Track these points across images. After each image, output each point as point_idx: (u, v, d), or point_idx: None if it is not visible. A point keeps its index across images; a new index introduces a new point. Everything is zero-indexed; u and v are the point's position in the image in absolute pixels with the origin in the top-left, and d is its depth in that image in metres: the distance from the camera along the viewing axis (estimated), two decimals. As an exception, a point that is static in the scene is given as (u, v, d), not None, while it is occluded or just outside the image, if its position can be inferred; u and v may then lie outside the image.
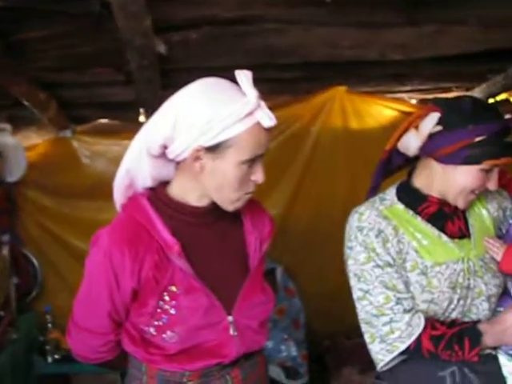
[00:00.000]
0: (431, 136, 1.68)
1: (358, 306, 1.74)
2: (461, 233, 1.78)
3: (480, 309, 1.75)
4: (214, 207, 1.57)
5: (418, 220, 1.75)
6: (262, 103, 1.44)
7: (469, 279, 1.72)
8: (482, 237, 1.79)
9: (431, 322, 1.69)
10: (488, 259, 1.76)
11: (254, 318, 1.62)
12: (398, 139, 1.76)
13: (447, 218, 1.77)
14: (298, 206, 3.87)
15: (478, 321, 1.72)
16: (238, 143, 1.42)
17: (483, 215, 1.85)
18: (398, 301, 1.67)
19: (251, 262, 1.64)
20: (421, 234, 1.74)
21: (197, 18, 2.36)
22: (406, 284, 1.70)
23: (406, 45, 2.73)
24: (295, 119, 3.67)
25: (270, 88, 3.48)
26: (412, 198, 1.78)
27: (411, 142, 1.73)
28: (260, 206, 1.77)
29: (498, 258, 1.71)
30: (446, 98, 1.83)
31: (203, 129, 1.41)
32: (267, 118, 1.43)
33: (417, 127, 1.71)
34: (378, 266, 1.69)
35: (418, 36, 2.66)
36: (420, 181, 1.78)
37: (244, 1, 2.20)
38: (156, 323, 1.50)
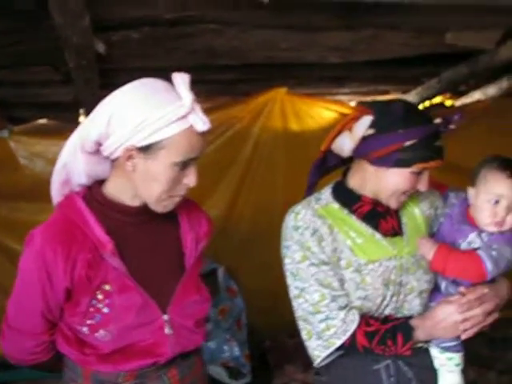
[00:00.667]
0: (364, 139, 1.72)
1: (295, 303, 1.78)
2: (394, 231, 1.82)
3: (412, 304, 1.81)
4: (149, 207, 1.57)
5: (353, 219, 1.79)
6: (197, 107, 1.46)
7: (401, 276, 1.78)
8: (414, 235, 1.85)
9: (365, 318, 1.74)
10: (419, 256, 1.82)
11: (189, 317, 1.63)
12: (333, 140, 1.79)
13: (380, 217, 1.81)
14: (239, 207, 3.89)
15: (411, 317, 1.78)
16: (171, 145, 1.44)
17: (416, 214, 1.90)
18: (333, 298, 1.71)
19: (187, 262, 1.65)
20: (355, 232, 1.78)
21: (137, 18, 2.35)
22: (341, 282, 1.74)
23: (343, 48, 2.78)
24: (235, 121, 3.67)
25: (209, 89, 3.49)
26: (347, 198, 1.81)
27: (345, 144, 1.77)
28: (197, 206, 1.79)
29: (429, 257, 1.75)
30: (379, 102, 1.87)
31: (136, 129, 1.42)
32: (201, 123, 1.45)
33: (350, 129, 1.75)
34: (313, 264, 1.73)
35: (355, 40, 2.72)
36: (354, 181, 1.82)
37: (184, 2, 2.20)
38: (89, 322, 1.50)
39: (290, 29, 2.61)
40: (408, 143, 1.67)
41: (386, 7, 2.32)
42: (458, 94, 4.49)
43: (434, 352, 1.83)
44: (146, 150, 1.45)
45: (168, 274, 1.62)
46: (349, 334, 1.71)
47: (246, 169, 3.81)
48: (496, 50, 3.11)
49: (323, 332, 1.72)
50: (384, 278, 1.75)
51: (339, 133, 1.78)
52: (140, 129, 1.42)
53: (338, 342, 1.71)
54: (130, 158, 1.47)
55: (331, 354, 1.75)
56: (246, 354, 3.85)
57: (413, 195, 1.86)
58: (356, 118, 1.75)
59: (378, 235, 1.79)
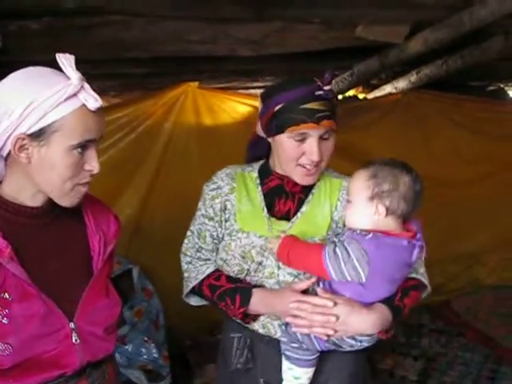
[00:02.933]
0: (259, 115, 1.84)
1: (183, 241, 1.98)
2: (286, 215, 1.84)
3: (271, 289, 1.80)
4: (52, 207, 1.48)
5: (258, 190, 1.88)
6: (87, 85, 1.39)
7: (262, 256, 1.79)
8: (304, 226, 1.82)
9: (219, 274, 1.86)
10: None
11: (98, 324, 1.54)
12: (255, 127, 1.92)
13: (281, 197, 1.85)
14: (153, 204, 3.80)
15: (260, 286, 1.80)
16: (64, 127, 1.36)
17: (323, 210, 1.85)
18: (199, 249, 1.91)
19: (95, 265, 1.56)
20: (249, 202, 1.85)
21: (36, 6, 2.22)
22: (219, 239, 1.88)
23: (254, 41, 2.76)
24: (147, 116, 3.58)
25: (119, 84, 3.40)
26: (264, 171, 1.90)
27: (259, 126, 1.88)
28: (104, 205, 1.70)
29: (274, 249, 1.74)
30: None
31: (23, 114, 1.33)
32: (92, 100, 1.37)
33: None
34: (202, 215, 1.91)
35: (266, 33, 2.70)
36: (271, 159, 1.89)
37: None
38: None
39: (200, 21, 2.56)
40: (277, 108, 1.72)
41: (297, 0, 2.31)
42: (370, 88, 4.57)
43: (285, 363, 1.80)
44: (38, 135, 1.36)
45: (74, 278, 1.53)
46: (196, 281, 1.88)
47: (159, 165, 3.73)
48: (405, 43, 3.17)
49: (184, 272, 1.94)
50: (244, 250, 1.81)
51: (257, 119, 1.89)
52: (27, 113, 1.33)
53: (190, 285, 1.90)
54: (22, 148, 1.37)
55: (192, 296, 1.96)
56: (164, 355, 3.77)
57: (334, 192, 1.87)
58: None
59: (265, 212, 1.84)
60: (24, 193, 1.46)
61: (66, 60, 1.37)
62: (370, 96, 4.62)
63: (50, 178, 1.41)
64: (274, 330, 1.81)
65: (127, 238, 3.68)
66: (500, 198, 4.82)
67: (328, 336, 1.69)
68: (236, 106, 3.76)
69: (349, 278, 1.64)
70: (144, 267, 3.84)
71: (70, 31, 2.46)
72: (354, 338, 1.73)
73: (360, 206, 1.69)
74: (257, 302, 1.76)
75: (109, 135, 3.40)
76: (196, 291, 1.91)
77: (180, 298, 3.88)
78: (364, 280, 1.63)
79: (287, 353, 1.78)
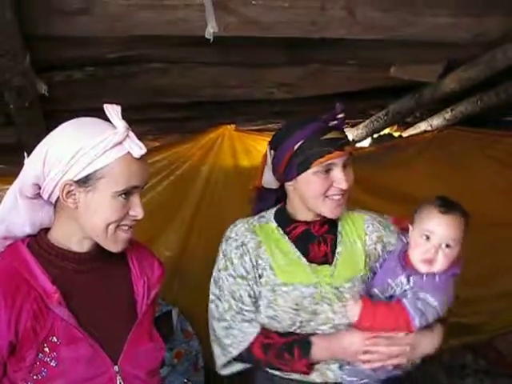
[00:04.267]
0: (272, 163, 1.85)
1: (209, 308, 1.87)
2: (324, 258, 1.82)
3: (327, 334, 1.77)
4: (98, 252, 1.52)
5: (285, 239, 1.84)
6: (132, 134, 1.44)
7: (316, 305, 1.75)
8: (345, 267, 1.82)
9: (267, 332, 1.77)
10: (345, 289, 1.78)
11: (141, 368, 1.56)
12: (261, 179, 1.94)
13: (313, 241, 1.83)
14: (191, 246, 3.82)
15: (314, 334, 1.76)
16: (110, 174, 1.41)
17: (356, 246, 1.87)
18: (240, 311, 1.78)
19: (139, 309, 1.59)
20: (282, 253, 1.81)
21: (80, 57, 2.31)
22: (256, 298, 1.79)
23: (290, 84, 2.81)
24: (185, 159, 3.64)
25: (157, 128, 3.47)
26: (283, 220, 1.87)
27: (267, 177, 1.91)
28: (148, 251, 1.74)
29: (355, 317, 1.70)
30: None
31: (71, 162, 1.39)
32: (137, 148, 1.42)
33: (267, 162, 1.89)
34: (231, 275, 1.81)
35: (301, 75, 2.74)
36: (289, 206, 1.88)
37: (128, 41, 2.17)
38: (35, 377, 1.41)
39: (236, 66, 2.62)
40: (296, 147, 1.73)
41: (331, 43, 2.35)
42: (405, 126, 4.58)
43: None
44: (84, 182, 1.41)
45: (119, 322, 1.56)
46: (245, 344, 1.77)
47: (197, 207, 3.76)
48: (439, 82, 3.19)
49: (223, 339, 1.80)
50: (296, 302, 1.75)
51: (262, 170, 1.93)
52: (75, 161, 1.39)
53: (235, 352, 1.78)
54: (69, 194, 1.42)
55: (233, 363, 1.83)
56: (203, 396, 3.76)
57: (359, 227, 1.89)
58: (266, 151, 1.90)
59: (304, 260, 1.81)
60: (72, 238, 1.50)
61: (112, 110, 1.43)
62: (405, 134, 4.61)
63: (96, 222, 1.45)
64: (333, 374, 1.77)
65: (166, 280, 3.68)
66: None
67: (399, 364, 1.72)
68: (272, 148, 3.79)
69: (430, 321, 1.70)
70: (183, 309, 3.85)
71: (110, 79, 2.53)
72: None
73: (458, 249, 1.73)
74: (319, 350, 1.72)
75: (147, 178, 3.45)
76: (243, 356, 1.80)
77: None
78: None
79: None
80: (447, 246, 1.70)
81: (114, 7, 1.83)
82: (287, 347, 1.73)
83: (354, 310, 1.69)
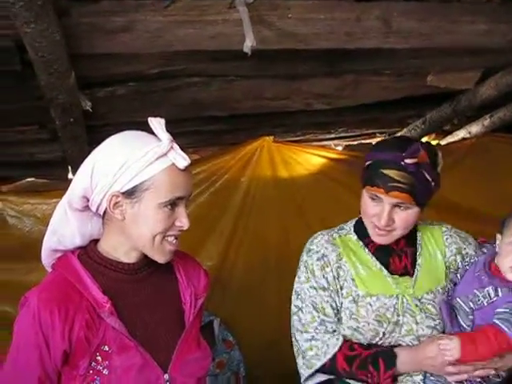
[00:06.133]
0: None
1: (292, 320, 1.87)
2: (405, 270, 1.83)
3: (411, 346, 1.77)
4: (146, 263, 1.56)
5: (366, 251, 1.86)
6: (176, 145, 1.47)
7: (399, 316, 1.76)
8: (427, 278, 1.83)
9: (351, 343, 1.76)
10: (426, 300, 1.79)
11: (190, 376, 1.59)
12: None
13: (393, 255, 1.84)
14: (232, 257, 3.85)
15: (398, 345, 1.76)
16: (155, 185, 1.44)
17: (436, 257, 1.89)
18: (322, 322, 1.78)
19: (187, 318, 1.62)
20: (362, 264, 1.83)
21: (122, 74, 2.37)
22: (337, 309, 1.79)
23: (327, 95, 2.83)
24: (225, 171, 3.68)
25: (197, 140, 3.52)
26: (363, 231, 1.87)
27: None
28: (194, 260, 1.77)
29: (457, 356, 1.65)
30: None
31: (118, 174, 1.43)
32: (181, 159, 1.46)
33: None
34: (313, 287, 1.82)
35: (339, 86, 2.76)
36: None
37: (168, 57, 2.23)
38: None
39: (274, 78, 2.65)
40: (367, 163, 1.78)
41: (367, 53, 2.37)
42: (443, 134, 4.54)
43: None
44: (131, 193, 1.45)
45: (168, 331, 1.59)
46: (329, 356, 1.76)
47: (237, 218, 3.79)
48: (476, 89, 3.17)
49: (306, 351, 1.80)
50: (378, 314, 1.76)
51: None
52: (122, 173, 1.43)
53: (318, 363, 1.78)
54: (116, 205, 1.47)
55: (316, 374, 1.81)
56: (246, 406, 3.77)
57: (439, 238, 1.90)
58: None
59: (385, 272, 1.82)
60: (120, 249, 1.54)
61: (156, 123, 1.47)
62: (444, 142, 4.58)
63: (142, 233, 1.49)
64: None
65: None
66: None
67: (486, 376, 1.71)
68: (310, 159, 3.80)
69: None
70: (224, 319, 3.87)
71: (151, 94, 2.59)
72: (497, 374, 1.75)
73: None
74: (404, 361, 1.71)
75: (190, 190, 3.51)
76: (326, 367, 1.79)
77: (260, 348, 3.91)
78: None
79: None
80: None
81: (153, 24, 1.89)
82: (372, 359, 1.73)
83: (453, 349, 1.65)
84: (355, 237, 1.89)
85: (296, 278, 1.88)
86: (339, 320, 1.79)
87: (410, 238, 1.87)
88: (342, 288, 1.80)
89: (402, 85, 2.89)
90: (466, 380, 1.72)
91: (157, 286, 1.61)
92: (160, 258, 1.54)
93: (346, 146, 4.28)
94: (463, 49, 2.52)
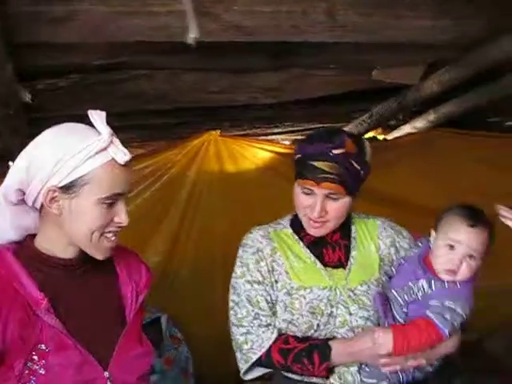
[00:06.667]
0: None
1: (229, 315, 1.86)
2: (339, 263, 1.85)
3: (346, 338, 1.78)
4: (84, 258, 1.51)
5: (300, 245, 1.86)
6: (116, 140, 1.43)
7: (332, 307, 1.77)
8: (360, 270, 1.85)
9: (287, 336, 1.77)
10: (360, 292, 1.80)
11: (132, 373, 1.55)
12: None
13: (327, 247, 1.86)
14: (180, 252, 3.81)
15: (333, 338, 1.77)
16: (94, 180, 1.40)
17: (370, 250, 1.90)
18: (257, 316, 1.79)
19: (128, 314, 1.58)
20: (297, 257, 1.83)
21: (65, 65, 2.32)
22: (273, 302, 1.81)
23: (274, 88, 2.83)
24: (171, 165, 3.63)
25: (142, 135, 3.48)
26: (298, 225, 1.88)
27: None
28: (136, 256, 1.73)
29: (389, 347, 1.67)
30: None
31: (55, 167, 1.38)
32: (121, 154, 1.42)
33: None
34: (248, 281, 1.82)
35: (285, 80, 2.77)
36: None
37: (112, 48, 2.18)
38: None
39: (220, 71, 2.64)
40: (296, 157, 1.79)
41: (314, 47, 2.37)
42: (389, 128, 4.61)
43: None
44: (68, 188, 1.41)
45: (108, 328, 1.55)
46: (264, 349, 1.77)
47: (184, 213, 3.76)
48: (420, 84, 3.22)
49: (242, 345, 1.81)
50: (312, 306, 1.76)
51: None
52: (59, 167, 1.38)
53: (254, 357, 1.78)
54: (53, 200, 1.42)
55: (255, 368, 1.83)
56: (194, 403, 3.75)
57: (373, 231, 1.92)
58: None
59: (319, 264, 1.83)
60: (57, 244, 1.49)
61: (97, 116, 1.43)
62: (390, 137, 4.64)
63: (79, 228, 1.44)
64: (352, 377, 1.78)
65: (154, 286, 3.69)
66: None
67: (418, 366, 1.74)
68: (257, 153, 3.79)
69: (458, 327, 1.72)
70: (171, 315, 3.85)
71: (95, 86, 2.54)
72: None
73: (480, 260, 1.75)
74: (339, 354, 1.73)
75: (134, 185, 3.45)
76: (263, 361, 1.79)
77: (208, 344, 3.89)
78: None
79: None
80: (471, 256, 1.72)
81: (96, 14, 1.85)
82: (306, 353, 1.73)
83: (386, 342, 1.67)
84: (290, 231, 1.90)
85: (233, 274, 1.88)
86: (274, 313, 1.81)
87: (344, 231, 1.89)
88: (277, 281, 1.81)
89: (348, 79, 2.92)
90: (399, 370, 1.75)
91: (96, 283, 1.57)
92: (97, 255, 1.50)
93: (293, 140, 4.30)
94: (408, 44, 2.55)
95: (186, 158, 3.67)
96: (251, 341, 1.79)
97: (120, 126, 3.14)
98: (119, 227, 1.49)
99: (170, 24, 1.93)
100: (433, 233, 1.81)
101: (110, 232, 1.48)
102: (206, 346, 3.92)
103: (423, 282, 1.75)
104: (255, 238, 1.87)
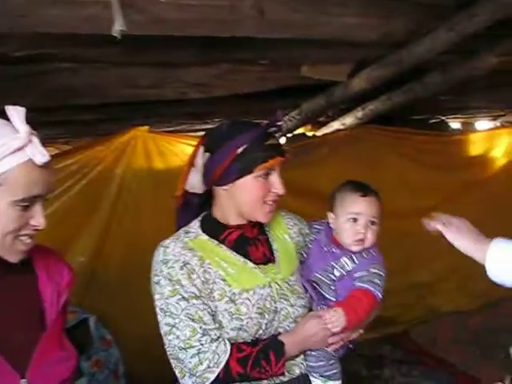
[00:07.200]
0: (205, 166, 1.77)
1: (166, 341, 1.71)
2: (265, 258, 1.83)
3: (288, 330, 1.79)
4: (0, 260, 1.44)
5: (223, 249, 1.79)
6: (35, 139, 1.37)
7: (276, 303, 1.77)
8: (286, 260, 1.87)
9: (237, 345, 1.70)
10: (293, 282, 1.83)
11: (52, 379, 1.49)
12: (184, 182, 1.84)
13: (250, 244, 1.82)
14: (108, 251, 3.73)
15: (278, 333, 1.77)
16: (8, 181, 1.33)
17: (286, 240, 1.93)
18: (205, 332, 1.66)
19: (48, 317, 1.52)
20: (226, 262, 1.76)
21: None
22: (214, 314, 1.71)
23: (203, 84, 2.80)
24: (97, 162, 3.54)
25: (68, 131, 3.38)
26: (213, 229, 1.81)
27: (194, 180, 1.82)
28: (57, 256, 1.66)
29: (343, 323, 1.75)
30: (209, 128, 1.97)
31: None
32: (39, 155, 1.35)
33: (194, 165, 1.82)
34: (183, 298, 1.68)
35: (214, 75, 2.74)
36: (217, 212, 1.83)
37: (34, 39, 2.09)
38: None
39: (148, 65, 2.59)
40: (240, 150, 1.71)
41: (242, 42, 2.36)
42: (318, 125, 4.67)
43: (318, 382, 1.83)
44: None
45: (25, 332, 1.48)
46: (222, 365, 1.65)
47: (112, 211, 3.68)
48: (349, 81, 3.27)
49: (196, 367, 1.65)
50: (259, 306, 1.74)
51: (187, 173, 1.84)
52: None
53: (212, 376, 1.65)
54: None
55: None
56: (125, 404, 3.68)
57: (282, 223, 1.94)
58: (195, 153, 1.81)
59: (250, 264, 1.79)
60: None
61: (15, 112, 1.35)
62: (319, 133, 4.70)
63: None
64: (299, 368, 1.81)
65: (82, 286, 3.60)
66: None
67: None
68: (186, 149, 3.74)
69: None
70: (101, 316, 3.75)
71: (18, 79, 2.44)
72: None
73: (379, 223, 1.90)
74: (290, 346, 1.74)
75: (59, 182, 3.35)
76: (220, 378, 1.66)
77: (139, 345, 3.83)
78: None
79: (326, 373, 1.83)
80: (372, 223, 1.87)
81: (16, 1, 1.76)
82: (263, 355, 1.70)
83: (339, 319, 1.75)
84: (206, 237, 1.80)
85: (156, 296, 1.72)
86: (220, 325, 1.71)
87: (260, 226, 1.88)
88: (212, 291, 1.72)
89: (277, 75, 2.93)
90: (341, 346, 1.85)
91: (13, 285, 1.49)
92: (11, 258, 1.42)
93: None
94: (336, 41, 2.57)
95: (114, 154, 3.60)
96: (207, 359, 1.65)
97: (45, 122, 3.05)
98: (35, 230, 1.42)
99: (96, 15, 1.86)
100: (330, 214, 1.93)
101: (25, 235, 1.41)
102: (137, 346, 3.85)
103: (345, 259, 1.86)
104: (176, 251, 1.74)
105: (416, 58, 2.87)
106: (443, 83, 3.44)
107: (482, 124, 6.01)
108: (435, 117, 5.34)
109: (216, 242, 1.80)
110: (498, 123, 5.77)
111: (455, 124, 5.80)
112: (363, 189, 1.89)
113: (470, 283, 5.22)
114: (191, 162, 1.83)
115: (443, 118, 5.40)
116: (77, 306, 3.46)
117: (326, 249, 1.91)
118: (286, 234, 1.94)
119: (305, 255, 1.95)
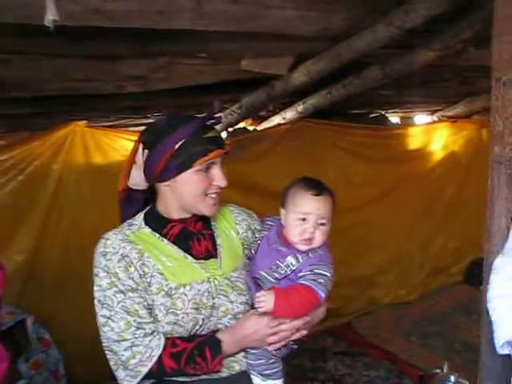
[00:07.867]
0: (145, 163, 1.75)
1: (101, 332, 1.70)
2: (208, 253, 1.82)
3: (228, 327, 1.79)
4: None
5: (164, 243, 1.78)
6: None
7: (214, 299, 1.76)
8: (229, 256, 1.86)
9: (172, 339, 1.70)
10: (234, 278, 1.82)
11: None
12: (127, 179, 1.81)
13: (193, 239, 1.81)
14: (47, 249, 3.63)
15: (218, 330, 1.76)
16: None
17: (232, 236, 1.92)
18: (139, 325, 1.67)
19: None
20: (166, 256, 1.76)
21: None
22: (150, 308, 1.70)
23: (141, 77, 2.75)
24: (34, 157, 3.45)
25: (2, 125, 3.26)
26: (156, 222, 1.80)
27: (137, 177, 1.80)
28: None
29: (270, 307, 1.72)
30: (148, 124, 1.91)
31: None
32: None
33: (136, 161, 1.79)
34: (120, 291, 1.68)
35: (152, 68, 2.70)
36: (161, 206, 1.81)
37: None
38: None
39: (84, 58, 2.52)
40: (178, 145, 1.70)
41: (181, 35, 2.33)
42: (259, 119, 4.67)
43: (257, 380, 1.82)
44: None
45: None
46: (154, 359, 1.67)
47: (50, 207, 3.59)
48: (289, 75, 3.28)
49: (128, 360, 1.67)
50: (195, 301, 1.73)
51: (129, 169, 1.81)
52: None
53: (144, 370, 1.67)
54: None
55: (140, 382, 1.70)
56: (66, 407, 3.60)
57: (229, 218, 1.93)
58: (136, 149, 1.79)
59: (190, 258, 1.78)
60: None
61: None
62: (260, 127, 4.70)
63: None
64: (239, 365, 1.80)
65: (19, 286, 3.51)
66: (389, 219, 5.03)
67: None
68: (126, 144, 3.69)
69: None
70: (40, 316, 3.65)
71: None
72: None
73: (330, 224, 1.86)
74: (228, 344, 1.72)
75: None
76: (154, 372, 1.67)
77: (80, 345, 3.76)
78: None
79: (266, 372, 1.81)
80: (322, 224, 1.82)
81: None
82: (198, 351, 1.69)
83: (268, 301, 1.72)
84: (149, 230, 1.80)
85: (95, 287, 1.71)
86: (155, 319, 1.71)
87: (205, 221, 1.87)
88: (150, 285, 1.71)
89: (217, 69, 2.90)
90: (283, 346, 1.82)
91: None
92: None
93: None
94: (276, 34, 2.57)
95: (51, 149, 3.51)
96: (139, 353, 1.66)
97: (-25, 117, 2.95)
98: None
99: (27, 3, 1.79)
100: (282, 210, 1.89)
101: None
102: (78, 346, 3.79)
103: (290, 258, 1.81)
104: (116, 243, 1.72)
105: (355, 53, 2.90)
106: (381, 78, 3.48)
107: (421, 118, 6.14)
108: (375, 111, 5.42)
109: (158, 235, 1.79)
110: (435, 117, 5.90)
111: (394, 118, 5.91)
112: (316, 187, 1.84)
113: (410, 275, 5.37)
114: (132, 159, 1.80)
115: (383, 112, 5.49)
116: (14, 307, 3.36)
117: (273, 246, 1.86)
118: (232, 230, 1.92)
119: (253, 251, 1.92)
